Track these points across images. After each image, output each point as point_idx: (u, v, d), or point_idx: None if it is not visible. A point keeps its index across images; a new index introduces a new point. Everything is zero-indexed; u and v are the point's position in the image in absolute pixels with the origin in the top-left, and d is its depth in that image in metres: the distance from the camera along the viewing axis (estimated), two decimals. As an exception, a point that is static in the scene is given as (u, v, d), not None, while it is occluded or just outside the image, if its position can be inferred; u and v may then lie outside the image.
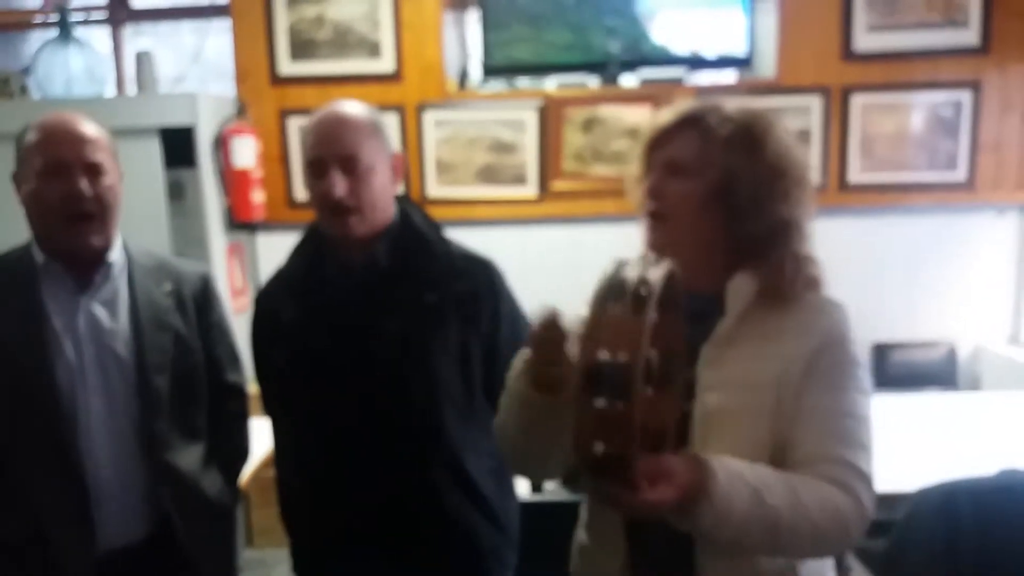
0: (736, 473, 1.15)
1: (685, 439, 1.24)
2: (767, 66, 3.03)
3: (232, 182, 2.99)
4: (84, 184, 1.54)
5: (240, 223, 3.06)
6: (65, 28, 3.06)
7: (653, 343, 1.13)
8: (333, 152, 1.59)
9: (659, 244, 1.34)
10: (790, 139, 1.33)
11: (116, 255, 1.65)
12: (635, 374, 1.11)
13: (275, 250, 3.17)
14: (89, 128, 1.59)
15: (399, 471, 1.66)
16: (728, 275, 1.30)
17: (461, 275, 1.69)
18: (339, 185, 1.58)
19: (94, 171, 1.56)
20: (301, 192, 3.20)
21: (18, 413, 1.58)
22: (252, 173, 3.02)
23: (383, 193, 1.65)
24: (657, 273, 1.15)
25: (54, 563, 1.58)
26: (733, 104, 1.33)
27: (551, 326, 1.21)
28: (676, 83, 3.01)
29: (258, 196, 3.06)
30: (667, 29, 3.04)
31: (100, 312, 1.62)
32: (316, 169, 1.61)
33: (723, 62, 3.08)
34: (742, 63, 3.06)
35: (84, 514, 1.58)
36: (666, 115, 1.34)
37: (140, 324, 1.63)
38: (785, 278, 1.28)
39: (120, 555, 1.62)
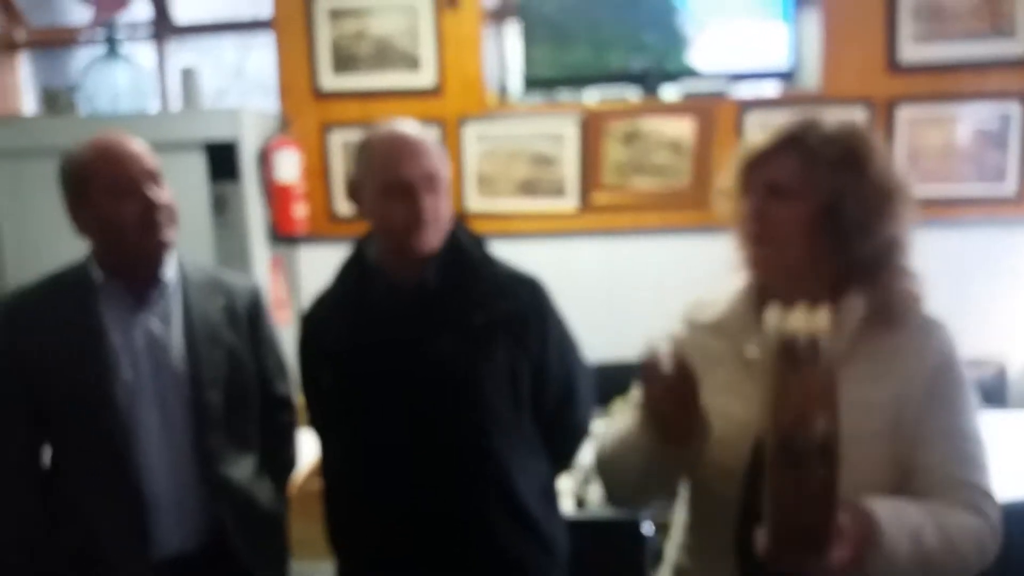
0: (896, 520, 1.14)
1: None
2: (811, 78, 3.01)
3: (275, 196, 3.01)
4: (154, 192, 1.58)
5: (282, 236, 3.08)
6: (112, 45, 3.11)
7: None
8: (418, 172, 1.58)
9: (763, 265, 1.33)
10: (891, 156, 1.31)
11: (171, 272, 1.68)
12: (837, 441, 1.08)
13: (316, 263, 3.21)
14: (138, 144, 1.64)
15: (446, 493, 1.65)
16: (834, 295, 1.28)
17: (508, 295, 1.69)
18: (430, 205, 1.57)
19: (156, 179, 1.60)
20: (342, 206, 3.22)
21: (77, 427, 1.62)
22: (295, 187, 3.05)
23: (449, 212, 1.65)
24: (823, 320, 1.11)
25: (111, 574, 1.60)
26: (832, 122, 1.31)
27: (682, 376, 1.19)
28: (718, 96, 2.99)
29: (300, 210, 3.09)
30: (709, 41, 3.03)
31: (156, 328, 1.65)
32: (398, 191, 1.59)
33: (766, 74, 3.06)
34: (785, 75, 3.03)
35: (139, 525, 1.61)
36: (765, 135, 1.33)
37: (195, 339, 1.65)
38: (894, 297, 1.27)
39: (174, 565, 1.65)
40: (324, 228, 3.21)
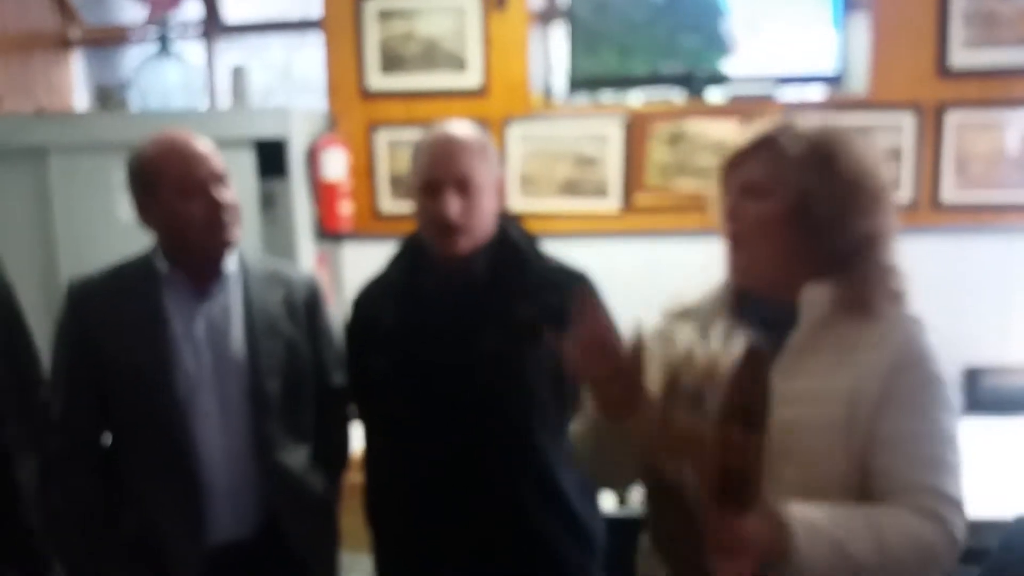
0: (816, 528, 1.13)
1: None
2: (858, 82, 2.99)
3: (322, 193, 3.05)
4: (221, 193, 1.62)
5: (328, 233, 3.12)
6: (164, 43, 3.17)
7: (741, 390, 1.12)
8: (449, 174, 1.63)
9: (739, 264, 1.35)
10: (865, 152, 1.32)
11: (232, 264, 1.72)
12: (697, 485, 1.11)
13: (360, 260, 3.25)
14: (205, 144, 1.67)
15: (489, 484, 1.67)
16: (803, 286, 1.30)
17: (555, 288, 1.71)
18: (453, 206, 1.62)
19: (223, 180, 1.64)
20: (387, 204, 3.25)
21: (138, 414, 1.66)
22: (341, 185, 3.08)
23: (489, 214, 1.69)
24: (722, 365, 1.14)
25: (167, 557, 1.65)
26: (808, 122, 1.34)
27: (635, 355, 1.21)
28: (765, 99, 2.99)
29: (346, 207, 3.13)
30: (756, 44, 3.02)
31: (217, 318, 1.69)
32: (430, 190, 1.64)
33: (813, 78, 3.05)
34: (833, 79, 3.02)
35: (197, 511, 1.64)
36: (742, 137, 1.36)
37: (254, 330, 1.69)
38: (867, 289, 1.28)
39: (230, 551, 1.69)
40: (369, 226, 3.25)
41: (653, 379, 1.29)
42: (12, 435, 1.35)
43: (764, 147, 1.33)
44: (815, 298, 1.29)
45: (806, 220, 1.29)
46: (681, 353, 1.19)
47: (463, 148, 1.66)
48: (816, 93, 3.09)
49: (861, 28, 2.98)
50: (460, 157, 1.65)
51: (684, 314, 1.44)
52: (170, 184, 1.63)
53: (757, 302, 1.36)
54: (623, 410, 1.25)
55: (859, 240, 1.29)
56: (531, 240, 1.79)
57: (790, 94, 3.06)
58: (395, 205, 3.24)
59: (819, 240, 1.30)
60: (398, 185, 3.22)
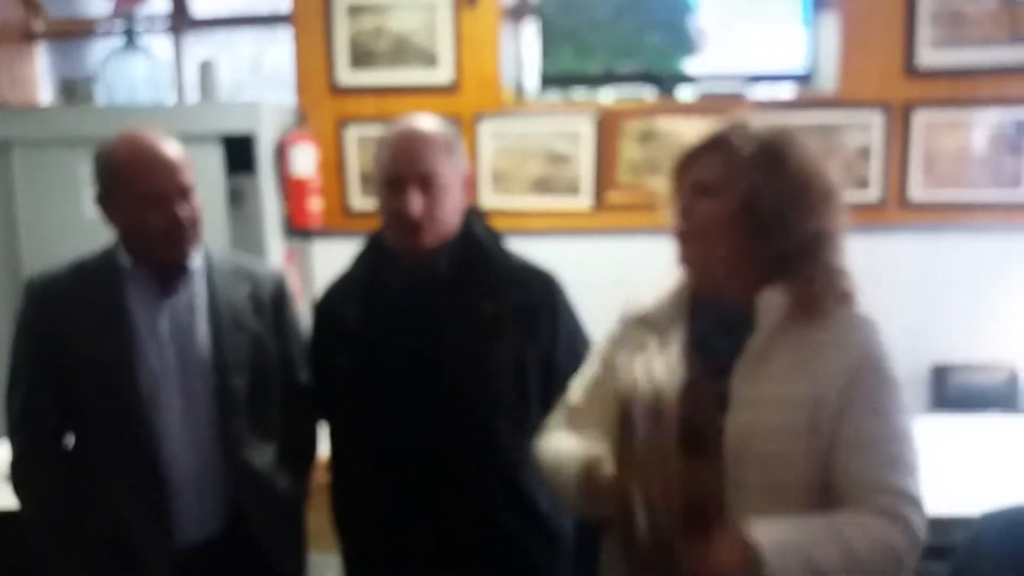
0: (785, 543, 1.15)
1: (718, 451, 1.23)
2: (828, 81, 3.01)
3: (291, 190, 3.02)
4: (182, 209, 1.58)
5: (297, 230, 3.09)
6: (130, 37, 3.12)
7: (687, 423, 1.14)
8: (412, 170, 1.61)
9: (690, 262, 1.35)
10: (814, 154, 1.34)
11: (198, 260, 1.69)
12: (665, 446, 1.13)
13: (330, 257, 3.21)
14: (174, 150, 1.63)
15: (452, 482, 1.66)
16: (760, 288, 1.31)
17: (520, 286, 1.71)
18: (416, 203, 1.60)
19: (187, 194, 1.60)
20: (357, 201, 3.23)
21: (102, 411, 1.63)
22: (310, 181, 3.05)
23: (454, 210, 1.67)
24: (670, 387, 1.16)
25: (133, 558, 1.62)
26: (759, 122, 1.35)
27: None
28: (735, 97, 3.00)
29: (315, 204, 3.10)
30: (726, 43, 3.03)
31: (182, 314, 1.66)
32: (394, 186, 1.63)
33: (783, 76, 3.06)
34: (802, 78, 3.04)
35: (162, 510, 1.62)
36: (694, 136, 1.37)
37: (220, 326, 1.67)
38: (816, 291, 1.29)
39: (196, 551, 1.66)
40: (338, 222, 3.22)
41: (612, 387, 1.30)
42: None
43: (716, 146, 1.34)
44: (770, 303, 1.30)
45: (754, 219, 1.29)
46: (628, 384, 1.20)
47: (427, 144, 1.65)
48: (786, 91, 3.11)
49: (830, 27, 3.01)
50: (424, 153, 1.63)
51: (642, 319, 1.44)
52: (133, 190, 1.59)
53: (712, 306, 1.36)
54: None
55: (807, 240, 1.30)
56: (495, 237, 1.78)
57: (760, 92, 3.07)
58: (365, 202, 3.21)
59: (767, 240, 1.30)
60: (368, 181, 3.20)
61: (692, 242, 1.34)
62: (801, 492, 1.24)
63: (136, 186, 1.59)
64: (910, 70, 2.90)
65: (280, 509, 1.73)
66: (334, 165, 3.21)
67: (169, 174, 1.60)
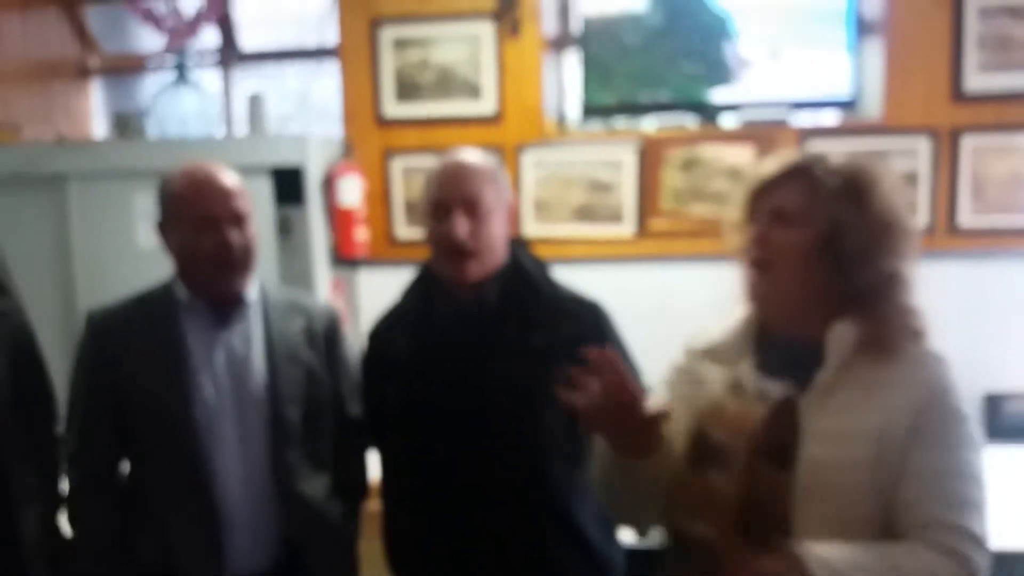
0: (833, 563, 1.13)
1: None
2: (873, 107, 2.99)
3: (338, 220, 3.07)
4: (234, 235, 1.62)
5: (344, 259, 3.14)
6: (181, 71, 3.20)
7: (771, 433, 1.13)
8: (457, 195, 1.65)
9: (762, 291, 1.35)
10: (896, 190, 1.34)
11: (253, 293, 1.72)
12: (744, 454, 1.11)
13: (375, 286, 3.26)
14: (232, 179, 1.67)
15: (503, 514, 1.66)
16: (830, 323, 1.30)
17: (569, 318, 1.72)
18: (461, 226, 1.63)
19: (241, 222, 1.64)
20: (402, 230, 3.27)
21: (158, 443, 1.66)
22: (357, 211, 3.10)
23: (499, 238, 1.70)
24: (750, 421, 1.15)
25: (185, 588, 1.63)
26: (838, 155, 1.35)
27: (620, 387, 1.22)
28: (778, 124, 2.99)
29: (362, 234, 3.14)
30: (770, 69, 3.03)
31: (237, 347, 1.69)
32: (439, 211, 1.67)
33: (827, 103, 3.05)
34: (847, 104, 3.02)
35: (216, 540, 1.64)
36: (771, 164, 1.37)
37: (275, 359, 1.69)
38: (889, 329, 1.28)
39: (249, 581, 1.67)
40: (384, 251, 3.26)
41: (677, 420, 1.29)
42: (18, 483, 1.32)
43: (797, 175, 1.34)
44: (841, 338, 1.29)
45: (834, 253, 1.29)
46: (709, 405, 1.20)
47: (472, 172, 1.69)
48: (830, 118, 3.10)
49: (875, 53, 2.99)
50: (469, 180, 1.68)
51: (708, 352, 1.43)
52: (187, 214, 1.64)
53: (779, 339, 1.35)
54: (638, 453, 1.25)
55: (884, 278, 1.30)
56: (543, 268, 1.80)
57: (804, 119, 3.06)
58: (410, 231, 3.25)
59: (844, 275, 1.30)
60: (413, 211, 3.24)
61: (766, 270, 1.33)
62: (865, 527, 1.23)
63: (190, 209, 1.64)
64: (957, 95, 2.87)
65: (332, 540, 1.74)
66: (380, 195, 3.26)
67: (222, 199, 1.64)
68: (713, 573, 1.12)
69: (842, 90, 3.00)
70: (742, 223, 1.40)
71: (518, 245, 1.80)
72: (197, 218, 1.63)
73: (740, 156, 2.98)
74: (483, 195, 1.67)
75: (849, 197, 1.30)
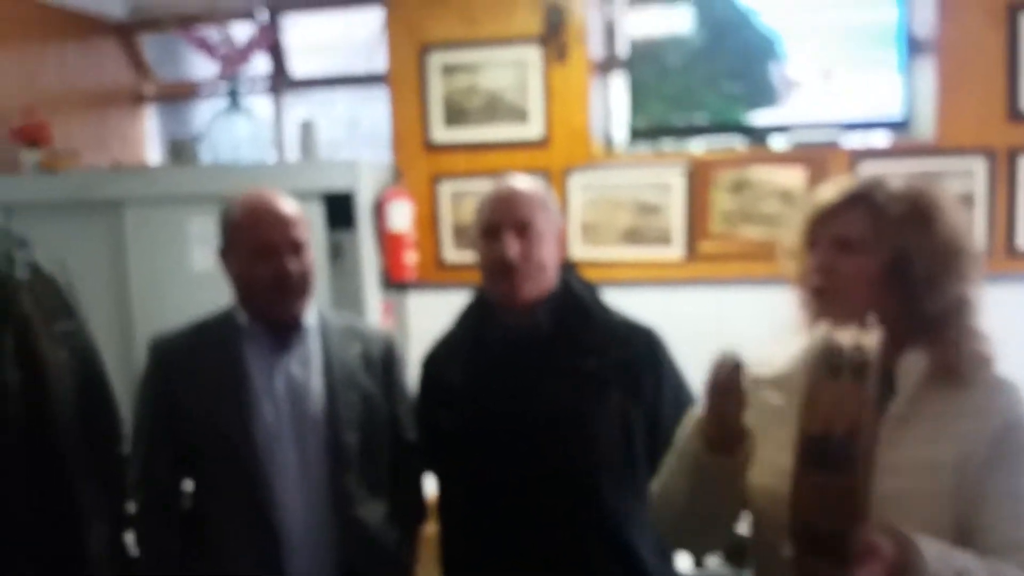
0: (941, 554, 1.12)
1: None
2: (925, 128, 2.96)
3: (388, 244, 3.10)
4: (292, 263, 1.65)
5: (394, 283, 3.16)
6: (234, 98, 3.27)
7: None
8: (508, 217, 1.68)
9: (827, 320, 1.33)
10: (960, 212, 1.32)
11: (311, 318, 1.74)
12: (860, 448, 1.11)
13: (424, 309, 3.28)
14: (290, 207, 1.70)
15: (556, 537, 1.66)
16: (897, 351, 1.28)
17: (622, 343, 1.72)
18: (512, 246, 1.65)
19: (299, 249, 1.66)
20: (450, 254, 3.29)
21: (219, 467, 1.68)
22: (406, 236, 3.13)
23: (549, 261, 1.71)
24: (871, 341, 1.15)
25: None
26: (898, 179, 1.34)
27: (731, 376, 1.23)
28: (829, 146, 2.97)
29: (411, 257, 3.17)
30: (820, 91, 3.01)
31: (296, 371, 1.71)
32: (490, 233, 1.69)
33: (878, 124, 3.02)
34: (898, 125, 2.99)
35: (276, 564, 1.66)
36: (830, 191, 1.36)
37: (333, 383, 1.71)
38: (960, 356, 1.26)
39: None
40: (432, 275, 3.28)
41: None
42: (86, 501, 1.36)
43: (859, 202, 1.32)
44: (912, 367, 1.28)
45: (901, 280, 1.28)
46: (805, 400, 1.19)
47: (523, 195, 1.72)
48: (882, 139, 3.06)
49: (927, 72, 2.96)
50: (519, 203, 1.70)
51: (769, 380, 1.41)
52: (246, 243, 1.67)
53: None
54: (731, 443, 1.27)
55: (953, 304, 1.28)
56: (594, 292, 1.81)
57: (855, 140, 3.03)
58: (458, 255, 3.27)
59: (912, 301, 1.28)
60: (461, 235, 3.26)
61: (831, 299, 1.32)
62: None
63: (248, 237, 1.67)
64: (1014, 114, 2.82)
65: (389, 565, 1.75)
66: (428, 219, 3.29)
67: (281, 228, 1.67)
68: (842, 563, 1.10)
69: (894, 110, 2.97)
70: (800, 250, 1.39)
71: (569, 270, 1.81)
72: (256, 246, 1.66)
73: (791, 178, 2.96)
74: (534, 218, 1.69)
75: (915, 222, 1.29)
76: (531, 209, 1.70)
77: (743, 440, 1.29)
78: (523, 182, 1.76)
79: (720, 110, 3.11)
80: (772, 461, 1.31)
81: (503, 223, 1.68)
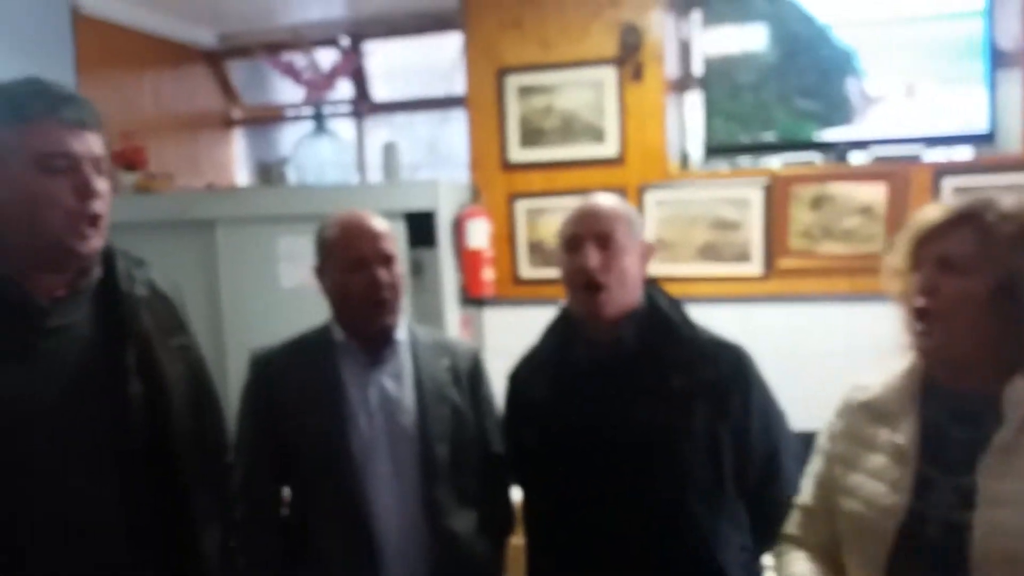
0: None
1: (961, 552, 1.19)
2: (1011, 141, 2.90)
3: (466, 261, 3.17)
4: (383, 274, 1.71)
5: (472, 298, 3.23)
6: (319, 121, 3.39)
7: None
8: (590, 229, 1.69)
9: (929, 342, 1.30)
10: None
11: (402, 333, 1.81)
12: None
13: (500, 324, 3.34)
14: (380, 223, 1.78)
15: (643, 555, 1.66)
16: (1002, 376, 1.24)
17: (710, 361, 1.70)
18: (593, 258, 1.66)
19: (389, 262, 1.73)
20: (526, 270, 3.34)
21: (317, 478, 1.74)
22: (484, 253, 3.20)
23: (632, 275, 1.71)
24: None
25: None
26: (1012, 199, 1.29)
27: None
28: (911, 160, 2.93)
29: (489, 274, 3.23)
30: (901, 105, 2.98)
31: (389, 385, 1.77)
32: (572, 244, 1.70)
33: (962, 138, 2.97)
34: (983, 138, 2.94)
35: (373, 573, 1.69)
36: (936, 210, 1.32)
37: (423, 396, 1.76)
38: None
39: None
40: (509, 291, 3.34)
41: (836, 479, 1.28)
42: (201, 507, 1.43)
43: (966, 222, 1.28)
44: (1020, 396, 1.23)
45: (1010, 302, 1.24)
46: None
47: (605, 209, 1.73)
48: (965, 153, 3.01)
49: (1012, 85, 2.90)
50: (602, 216, 1.71)
51: (866, 406, 1.40)
52: (340, 258, 1.75)
53: (948, 393, 1.31)
54: None
55: None
56: (680, 309, 1.79)
57: (938, 155, 2.99)
58: (534, 271, 3.33)
59: (1019, 326, 1.24)
60: (536, 252, 3.32)
61: (935, 321, 1.29)
62: None
63: (342, 252, 1.74)
64: (1106, 126, 2.75)
65: (480, 575, 1.78)
66: (505, 237, 3.35)
67: (372, 241, 1.75)
68: None
69: (978, 124, 2.92)
70: (904, 270, 1.36)
71: (653, 286, 1.80)
72: (349, 260, 1.74)
73: (872, 194, 2.93)
74: (616, 231, 1.69)
75: None
76: (612, 222, 1.70)
77: None
78: (607, 198, 1.78)
79: (795, 127, 3.10)
80: (861, 487, 1.30)
81: (584, 235, 1.69)
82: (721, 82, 3.19)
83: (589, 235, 1.68)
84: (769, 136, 3.13)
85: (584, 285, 1.68)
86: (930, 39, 2.94)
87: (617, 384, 1.70)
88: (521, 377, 1.85)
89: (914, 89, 2.96)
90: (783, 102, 3.11)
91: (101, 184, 1.33)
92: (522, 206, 3.34)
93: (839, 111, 3.05)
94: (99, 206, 1.32)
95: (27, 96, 1.29)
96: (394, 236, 1.81)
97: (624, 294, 1.70)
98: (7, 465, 1.22)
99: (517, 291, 3.35)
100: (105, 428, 1.33)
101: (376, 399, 1.76)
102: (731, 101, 3.17)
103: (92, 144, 1.33)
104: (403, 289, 1.79)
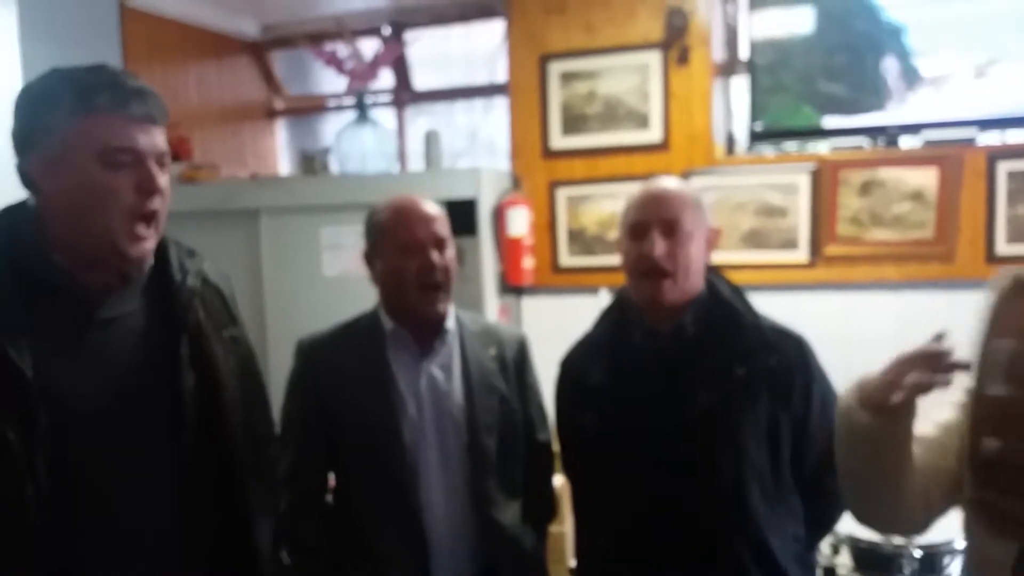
0: None
1: None
2: (1071, 123, 2.81)
3: (506, 249, 3.16)
4: (436, 257, 1.70)
5: (511, 286, 3.22)
6: (362, 111, 3.39)
7: None
8: (656, 215, 1.65)
9: None
10: None
11: (451, 322, 1.80)
12: None
13: (538, 311, 3.33)
14: (432, 207, 1.76)
15: (701, 542, 1.63)
16: None
17: (772, 349, 1.66)
18: (659, 245, 1.62)
19: (442, 245, 1.72)
20: (566, 258, 3.32)
21: (367, 467, 1.74)
22: (524, 241, 3.19)
23: (697, 262, 1.67)
24: None
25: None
26: None
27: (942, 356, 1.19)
28: (965, 144, 2.86)
29: (528, 262, 3.22)
30: (953, 88, 2.90)
31: (438, 375, 1.76)
32: (637, 231, 1.66)
33: (1018, 120, 2.88)
34: (1041, 121, 2.85)
35: (422, 565, 1.69)
36: None
37: (472, 386, 1.76)
38: None
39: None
40: (548, 279, 3.33)
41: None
42: (255, 497, 1.42)
43: None
44: None
45: None
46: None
47: (672, 194, 1.67)
48: (1021, 137, 2.93)
49: (1072, 66, 2.81)
50: (668, 202, 1.66)
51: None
52: (393, 241, 1.74)
53: None
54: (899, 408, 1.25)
55: None
56: (742, 296, 1.75)
57: (991, 138, 2.91)
58: (573, 259, 3.30)
59: None
60: (576, 240, 3.29)
61: None
62: None
63: (396, 236, 1.73)
64: None
65: (527, 565, 1.77)
66: (545, 225, 3.33)
67: (425, 225, 1.73)
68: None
69: (1035, 106, 2.83)
70: None
71: (714, 273, 1.76)
72: (403, 243, 1.72)
73: (923, 179, 2.86)
74: (682, 217, 1.64)
75: None
76: (679, 208, 1.65)
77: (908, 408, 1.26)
78: (672, 182, 1.73)
79: (842, 110, 3.03)
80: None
81: (650, 222, 1.64)
82: (768, 66, 3.13)
83: (655, 221, 1.64)
84: (816, 120, 3.07)
85: (647, 272, 1.64)
86: (984, 16, 2.85)
87: (677, 371, 1.66)
88: (575, 363, 1.82)
89: (967, 70, 2.87)
90: (831, 85, 3.04)
91: (163, 180, 1.30)
92: (563, 194, 3.32)
93: (889, 94, 2.98)
94: (158, 203, 1.30)
95: (96, 87, 1.25)
96: (446, 219, 1.80)
97: (688, 282, 1.66)
98: (60, 459, 1.21)
99: (556, 279, 3.33)
100: (159, 421, 1.32)
101: (426, 389, 1.75)
102: (778, 85, 3.11)
103: (157, 139, 1.30)
104: (455, 272, 1.78)
